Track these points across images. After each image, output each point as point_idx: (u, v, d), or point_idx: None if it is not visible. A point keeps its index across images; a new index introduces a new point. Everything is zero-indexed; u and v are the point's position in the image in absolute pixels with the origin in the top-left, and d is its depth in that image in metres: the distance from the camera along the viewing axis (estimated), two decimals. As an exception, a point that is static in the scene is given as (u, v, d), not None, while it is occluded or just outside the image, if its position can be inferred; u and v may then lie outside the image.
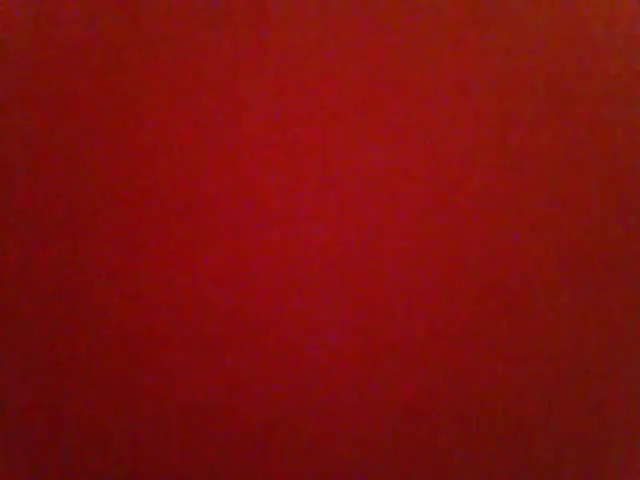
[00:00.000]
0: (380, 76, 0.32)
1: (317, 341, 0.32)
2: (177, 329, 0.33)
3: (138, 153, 0.33)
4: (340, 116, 0.32)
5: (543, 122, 0.33)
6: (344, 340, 0.32)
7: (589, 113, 0.34)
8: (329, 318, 0.32)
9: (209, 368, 0.33)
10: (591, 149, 0.34)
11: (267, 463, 0.33)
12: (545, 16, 0.34)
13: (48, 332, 0.34)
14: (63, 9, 0.34)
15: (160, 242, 0.32)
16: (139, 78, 0.33)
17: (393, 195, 0.32)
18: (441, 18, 0.33)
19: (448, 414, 0.33)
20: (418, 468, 0.34)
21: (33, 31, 0.35)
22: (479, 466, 0.34)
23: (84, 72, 0.34)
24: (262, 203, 0.32)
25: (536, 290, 0.33)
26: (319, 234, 0.32)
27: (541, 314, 0.33)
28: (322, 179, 0.32)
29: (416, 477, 0.34)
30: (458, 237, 0.32)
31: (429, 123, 0.32)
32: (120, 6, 0.34)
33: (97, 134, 0.33)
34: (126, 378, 0.33)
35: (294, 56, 0.32)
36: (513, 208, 0.33)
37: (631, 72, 0.35)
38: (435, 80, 0.32)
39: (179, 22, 0.33)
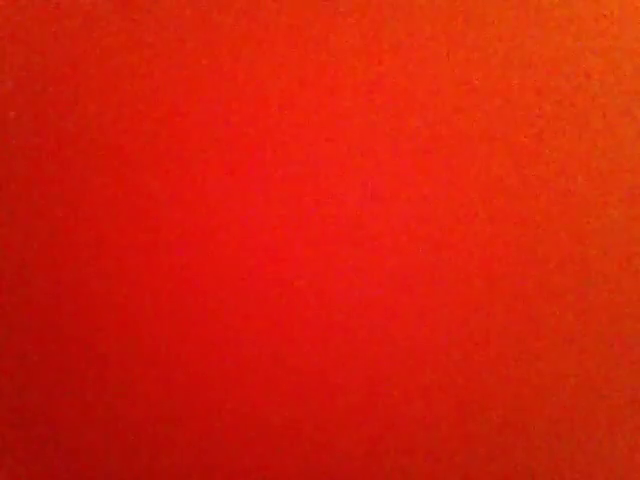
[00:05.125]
0: (382, 78, 0.32)
1: (317, 342, 0.32)
2: (177, 329, 0.33)
3: (138, 152, 0.33)
4: (342, 118, 0.32)
5: (544, 123, 0.33)
6: (344, 341, 0.32)
7: (590, 114, 0.34)
8: (329, 318, 0.32)
9: (209, 368, 0.33)
10: (591, 149, 0.34)
11: (267, 463, 0.33)
12: (547, 19, 0.34)
13: (48, 332, 0.34)
14: (64, 12, 0.34)
15: (161, 242, 0.32)
16: (138, 77, 0.33)
17: (393, 195, 0.32)
18: (443, 21, 0.33)
19: (449, 414, 0.33)
20: (419, 467, 0.34)
21: (34, 33, 0.35)
22: (479, 465, 0.34)
23: (85, 71, 0.34)
24: (262, 206, 0.32)
25: (536, 291, 0.33)
26: (319, 233, 0.32)
27: (542, 314, 0.33)
28: (322, 179, 0.32)
29: (416, 476, 0.34)
30: (459, 238, 0.32)
31: (430, 124, 0.32)
32: (123, 8, 0.34)
33: (98, 134, 0.33)
34: (126, 377, 0.33)
35: (296, 56, 0.32)
36: (514, 210, 0.33)
37: (632, 75, 0.35)
38: (436, 83, 0.32)
39: (181, 22, 0.33)
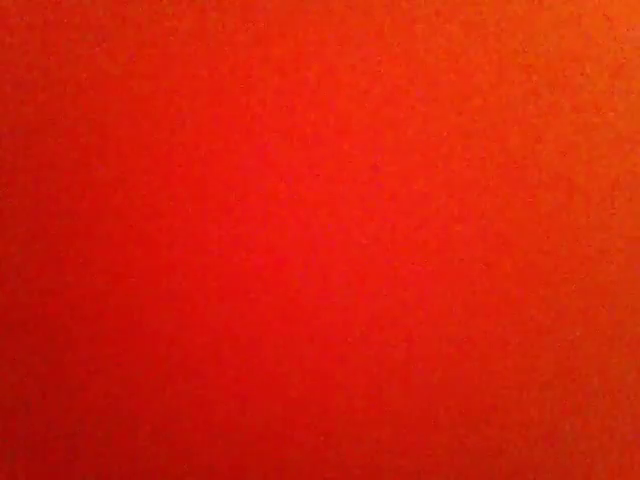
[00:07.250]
0: (382, 80, 0.32)
1: (318, 342, 0.32)
2: (177, 329, 0.33)
3: (138, 152, 0.33)
4: (342, 118, 0.32)
5: (543, 124, 0.33)
6: (344, 341, 0.32)
7: (588, 114, 0.34)
8: (330, 318, 0.32)
9: (209, 369, 0.33)
10: (591, 149, 0.34)
11: (267, 464, 0.33)
12: (544, 20, 0.34)
13: (48, 332, 0.34)
14: (65, 13, 0.34)
15: (160, 242, 0.32)
16: (139, 77, 0.33)
17: (393, 196, 0.32)
18: (441, 23, 0.33)
19: (449, 414, 0.33)
20: (419, 467, 0.34)
21: (35, 34, 0.35)
22: (479, 466, 0.34)
23: (85, 72, 0.34)
24: (262, 207, 0.32)
25: (536, 291, 0.33)
26: (318, 233, 0.32)
27: (542, 314, 0.33)
28: (322, 179, 0.32)
29: (417, 476, 0.34)
30: (460, 238, 0.32)
31: (430, 124, 0.32)
32: (123, 8, 0.34)
33: (99, 133, 0.33)
34: (126, 378, 0.33)
35: (298, 58, 0.32)
36: (514, 210, 0.33)
37: (631, 76, 0.35)
38: (435, 85, 0.32)
39: (182, 23, 0.33)
